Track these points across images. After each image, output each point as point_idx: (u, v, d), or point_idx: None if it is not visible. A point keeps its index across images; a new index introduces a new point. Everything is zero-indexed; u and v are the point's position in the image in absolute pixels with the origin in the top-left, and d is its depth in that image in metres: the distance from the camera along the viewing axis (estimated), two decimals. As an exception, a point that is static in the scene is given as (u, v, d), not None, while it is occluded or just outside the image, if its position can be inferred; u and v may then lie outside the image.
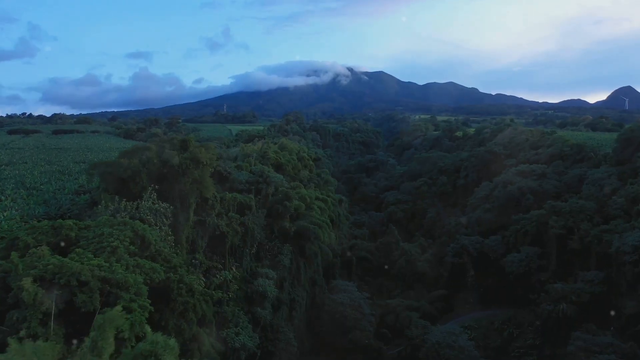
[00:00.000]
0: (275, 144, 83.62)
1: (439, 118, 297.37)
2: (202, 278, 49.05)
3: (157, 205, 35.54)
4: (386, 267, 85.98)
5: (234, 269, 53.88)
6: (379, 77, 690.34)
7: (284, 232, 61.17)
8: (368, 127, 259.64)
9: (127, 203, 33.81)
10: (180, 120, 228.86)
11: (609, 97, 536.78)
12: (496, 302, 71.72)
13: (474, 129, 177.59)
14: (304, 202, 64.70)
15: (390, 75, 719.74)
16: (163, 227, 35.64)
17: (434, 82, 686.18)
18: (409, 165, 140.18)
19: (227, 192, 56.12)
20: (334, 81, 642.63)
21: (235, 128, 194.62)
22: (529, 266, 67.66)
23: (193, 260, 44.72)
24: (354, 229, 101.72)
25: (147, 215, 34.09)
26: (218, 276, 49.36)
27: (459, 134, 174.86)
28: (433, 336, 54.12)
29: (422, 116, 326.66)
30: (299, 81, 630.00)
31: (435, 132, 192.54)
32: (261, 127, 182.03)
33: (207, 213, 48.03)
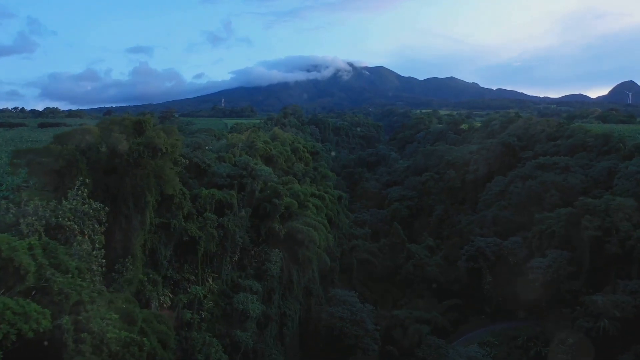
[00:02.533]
0: (266, 134, 73.60)
1: (441, 112, 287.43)
2: (169, 294, 39.39)
3: (86, 205, 25.52)
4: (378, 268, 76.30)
5: (210, 282, 44.04)
6: (379, 73, 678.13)
7: (273, 235, 51.23)
8: (369, 121, 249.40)
9: (40, 204, 23.80)
10: (175, 114, 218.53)
11: (610, 92, 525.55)
12: (518, 314, 61.87)
13: (479, 123, 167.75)
14: (296, 199, 54.76)
15: (391, 71, 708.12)
16: (95, 237, 25.69)
17: (435, 77, 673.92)
18: (413, 159, 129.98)
19: (204, 188, 46.19)
20: (335, 76, 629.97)
21: (232, 122, 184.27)
22: (557, 273, 57.71)
23: (150, 275, 34.85)
24: (355, 228, 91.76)
25: (69, 221, 24.11)
26: (190, 292, 39.65)
27: (464, 126, 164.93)
28: (451, 361, 44.25)
29: (424, 111, 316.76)
30: (300, 76, 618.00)
31: (439, 126, 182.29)
32: (258, 121, 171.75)
33: (172, 214, 38.11)
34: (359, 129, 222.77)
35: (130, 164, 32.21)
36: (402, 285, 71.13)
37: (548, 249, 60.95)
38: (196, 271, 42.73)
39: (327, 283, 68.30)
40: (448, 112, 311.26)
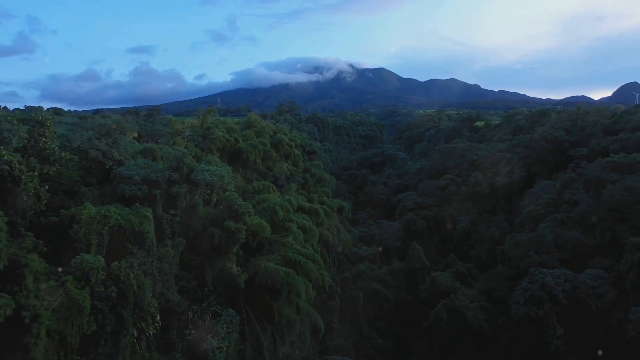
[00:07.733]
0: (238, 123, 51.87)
1: (445, 112, 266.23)
2: None
3: None
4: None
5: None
6: (379, 74, 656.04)
7: (229, 282, 29.46)
8: (371, 120, 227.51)
9: None
10: (164, 114, 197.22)
11: (614, 93, 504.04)
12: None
13: (497, 120, 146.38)
14: (271, 219, 32.86)
15: (391, 72, 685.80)
16: None
17: (436, 79, 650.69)
18: (427, 158, 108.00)
19: (89, 204, 24.33)
20: (337, 78, 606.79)
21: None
22: (679, 332, 35.82)
23: None
24: (360, 246, 69.82)
25: None
26: None
27: (479, 124, 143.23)
28: None
29: (427, 111, 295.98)
30: (301, 78, 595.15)
31: (450, 123, 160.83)
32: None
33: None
34: (360, 128, 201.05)
35: None
36: (430, 335, 49.02)
37: (655, 291, 39.20)
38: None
39: (323, 335, 46.51)
40: (453, 112, 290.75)
